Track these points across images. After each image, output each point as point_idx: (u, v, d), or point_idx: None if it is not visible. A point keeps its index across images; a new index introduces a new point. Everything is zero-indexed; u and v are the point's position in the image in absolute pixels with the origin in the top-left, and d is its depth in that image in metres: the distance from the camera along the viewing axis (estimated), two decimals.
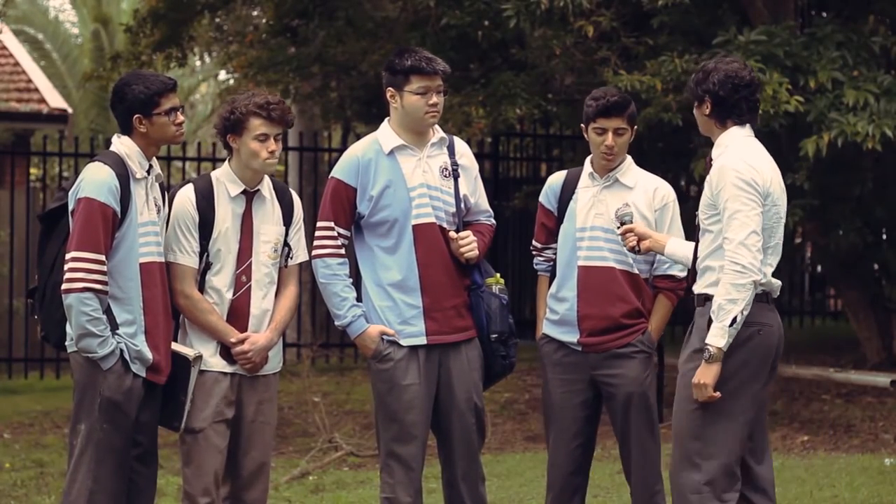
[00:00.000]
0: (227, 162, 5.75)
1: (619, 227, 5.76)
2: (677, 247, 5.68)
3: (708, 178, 5.37)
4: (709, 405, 5.25)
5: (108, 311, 5.36)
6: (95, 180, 5.35)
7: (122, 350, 5.37)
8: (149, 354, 5.43)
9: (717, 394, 5.21)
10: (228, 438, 5.69)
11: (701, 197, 5.43)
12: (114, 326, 5.37)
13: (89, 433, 5.37)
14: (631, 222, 5.74)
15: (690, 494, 5.29)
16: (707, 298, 5.31)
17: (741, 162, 5.27)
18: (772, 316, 5.38)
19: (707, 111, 5.40)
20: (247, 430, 5.72)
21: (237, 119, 5.61)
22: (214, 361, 5.67)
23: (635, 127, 6.00)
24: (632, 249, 5.73)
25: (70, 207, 5.40)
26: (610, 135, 5.89)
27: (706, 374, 5.21)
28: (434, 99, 5.76)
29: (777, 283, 5.38)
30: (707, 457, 5.27)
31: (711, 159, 5.43)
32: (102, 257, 5.31)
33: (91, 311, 5.29)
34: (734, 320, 5.17)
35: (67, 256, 5.31)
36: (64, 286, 5.31)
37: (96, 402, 5.35)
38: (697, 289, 5.41)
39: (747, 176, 5.25)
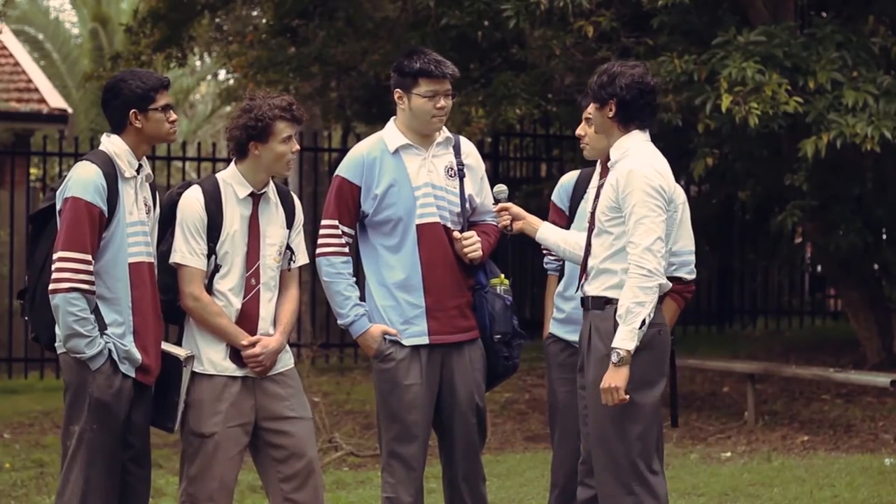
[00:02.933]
0: (233, 164, 5.70)
1: (494, 205, 5.77)
2: (549, 233, 5.73)
3: (611, 181, 5.42)
4: (626, 408, 5.29)
5: (96, 312, 5.33)
6: (82, 179, 5.33)
7: (110, 350, 5.34)
8: (137, 355, 5.39)
9: (627, 396, 5.25)
10: (245, 444, 5.62)
11: (600, 197, 5.46)
12: (102, 327, 5.34)
13: (80, 434, 5.35)
14: (506, 201, 5.77)
15: (624, 496, 5.33)
16: (607, 301, 5.37)
17: (649, 168, 5.35)
18: (663, 315, 5.47)
19: (611, 114, 5.46)
20: (281, 429, 5.62)
21: (264, 126, 5.55)
22: (225, 365, 5.60)
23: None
24: (504, 229, 5.76)
25: (58, 207, 5.39)
26: (583, 122, 5.92)
27: (617, 378, 5.23)
28: (442, 102, 5.76)
29: (668, 283, 5.43)
30: (629, 458, 5.33)
31: (609, 161, 5.49)
32: (89, 257, 5.29)
33: (78, 311, 5.26)
34: (643, 323, 5.24)
35: (54, 256, 5.29)
36: (51, 286, 5.28)
37: (86, 402, 5.34)
38: (595, 291, 5.44)
39: (656, 182, 5.33)
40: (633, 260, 5.27)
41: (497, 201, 5.79)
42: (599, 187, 5.54)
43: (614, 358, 5.23)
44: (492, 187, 5.94)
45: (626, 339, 5.23)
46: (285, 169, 5.70)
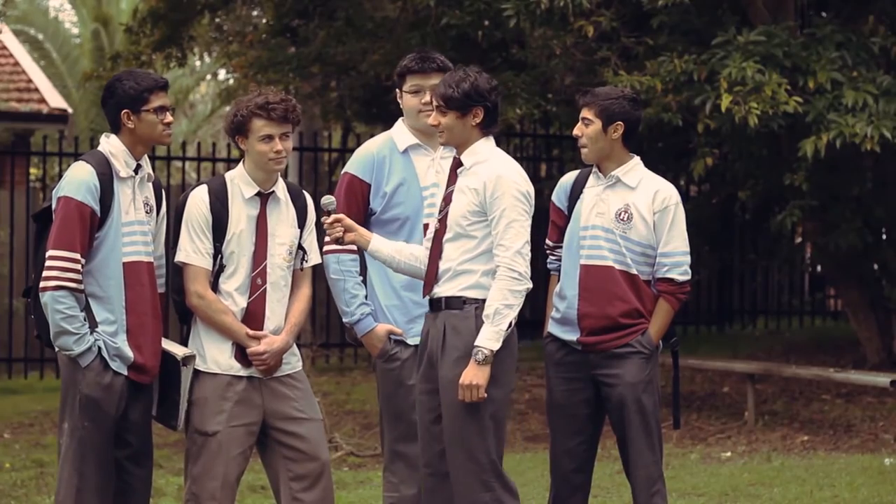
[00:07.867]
0: (241, 163, 5.68)
1: (325, 217, 5.66)
2: (382, 245, 5.66)
3: (472, 185, 5.44)
4: (484, 405, 5.35)
5: (87, 310, 5.35)
6: (75, 179, 5.35)
7: (100, 347, 5.35)
8: (129, 353, 5.40)
9: (486, 394, 5.32)
10: (250, 444, 5.60)
11: (455, 201, 5.46)
12: (93, 325, 5.36)
13: (72, 431, 5.37)
14: (335, 212, 5.66)
15: (482, 493, 5.39)
16: (466, 301, 5.42)
17: (517, 174, 5.47)
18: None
19: (476, 120, 5.49)
20: (292, 431, 5.60)
21: (240, 121, 5.56)
22: (230, 364, 5.58)
23: (614, 122, 5.87)
24: (336, 241, 5.70)
25: (53, 206, 5.41)
26: (580, 123, 5.92)
27: (480, 376, 5.31)
28: (427, 97, 5.75)
29: (531, 286, 5.48)
30: (488, 455, 5.38)
31: (461, 166, 5.49)
32: (78, 255, 5.30)
33: (65, 308, 5.28)
34: (509, 325, 5.34)
35: (46, 255, 5.32)
36: (40, 284, 5.32)
37: (76, 399, 5.35)
38: (451, 291, 5.45)
39: (524, 188, 5.45)
40: (504, 263, 5.35)
41: (328, 213, 5.61)
42: (450, 193, 5.53)
43: (479, 356, 5.30)
44: None
45: (491, 340, 5.32)
46: (272, 168, 5.59)
